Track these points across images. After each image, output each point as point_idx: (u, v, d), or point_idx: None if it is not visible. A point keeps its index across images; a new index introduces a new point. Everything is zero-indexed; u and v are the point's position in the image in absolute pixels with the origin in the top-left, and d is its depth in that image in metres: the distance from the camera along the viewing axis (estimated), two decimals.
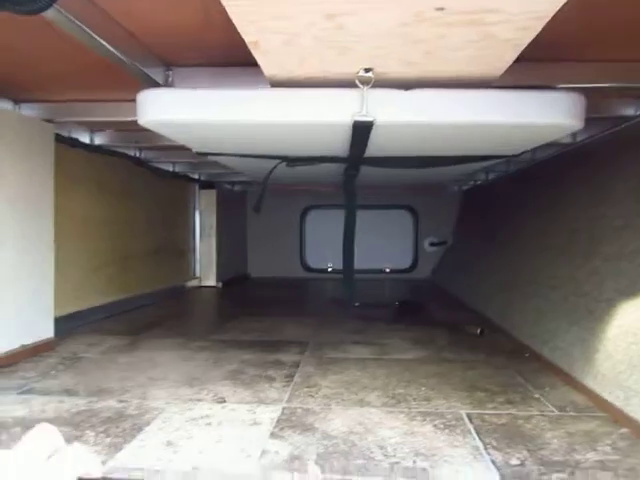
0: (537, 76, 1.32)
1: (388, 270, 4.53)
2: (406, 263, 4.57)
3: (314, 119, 1.24)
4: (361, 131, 1.30)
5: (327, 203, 4.49)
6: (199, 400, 1.30)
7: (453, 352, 1.82)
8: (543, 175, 2.39)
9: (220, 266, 3.75)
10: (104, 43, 1.10)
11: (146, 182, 2.89)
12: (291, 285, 4.00)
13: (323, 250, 4.54)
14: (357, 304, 2.91)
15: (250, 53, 1.36)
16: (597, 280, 1.67)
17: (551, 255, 2.10)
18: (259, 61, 1.12)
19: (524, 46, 1.08)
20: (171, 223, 3.32)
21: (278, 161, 1.79)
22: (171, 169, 3.16)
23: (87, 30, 1.05)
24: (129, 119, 1.83)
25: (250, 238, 4.54)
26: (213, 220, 3.70)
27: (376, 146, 1.50)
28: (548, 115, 1.22)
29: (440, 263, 4.40)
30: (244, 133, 1.39)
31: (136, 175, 2.75)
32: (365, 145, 1.47)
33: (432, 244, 4.54)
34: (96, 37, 1.07)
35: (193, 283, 3.63)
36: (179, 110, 1.24)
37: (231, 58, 1.39)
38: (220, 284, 3.72)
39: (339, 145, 1.55)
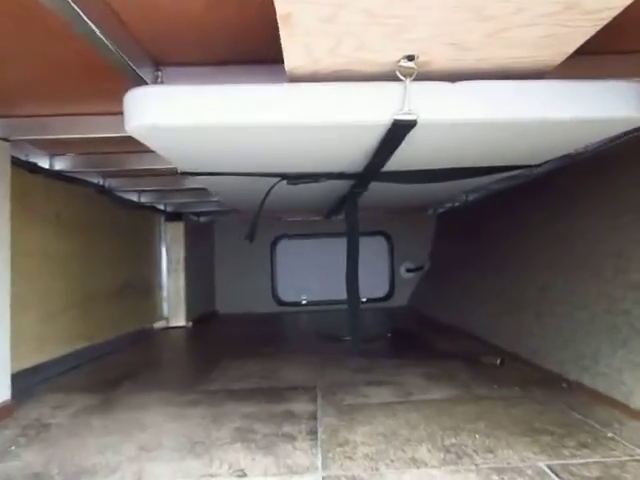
0: (588, 68, 1.16)
1: (364, 300, 4.32)
2: (383, 291, 4.38)
3: (345, 119, 1.02)
4: (397, 134, 1.09)
5: (298, 232, 4.27)
6: (213, 476, 1.02)
7: (482, 387, 1.61)
8: (548, 187, 2.26)
9: (189, 304, 3.44)
10: (88, 22, 0.86)
11: (110, 213, 2.59)
12: (265, 321, 3.72)
13: (296, 282, 4.29)
14: (347, 338, 2.68)
15: (256, 49, 1.16)
16: (637, 296, 1.51)
17: (566, 270, 1.95)
18: (285, 44, 0.91)
19: (601, 26, 0.91)
20: (136, 258, 3.01)
21: (277, 179, 1.56)
22: (136, 199, 2.87)
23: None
24: (103, 135, 1.58)
25: (218, 272, 4.24)
26: (181, 254, 3.41)
27: (402, 155, 1.30)
28: (616, 108, 1.05)
29: (419, 289, 4.23)
30: (252, 140, 1.15)
31: (99, 205, 2.45)
32: (391, 153, 1.26)
33: (409, 270, 4.37)
34: (77, 9, 0.83)
35: (160, 324, 3.30)
36: (179, 111, 0.99)
37: (232, 55, 1.18)
38: (190, 323, 3.40)
39: (357, 156, 1.34)
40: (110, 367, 2.17)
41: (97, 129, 1.57)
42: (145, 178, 2.64)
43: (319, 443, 1.17)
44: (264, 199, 1.62)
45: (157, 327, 3.25)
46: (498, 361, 1.87)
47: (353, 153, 1.32)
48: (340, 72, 1.04)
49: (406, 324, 3.28)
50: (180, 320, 3.37)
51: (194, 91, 1.01)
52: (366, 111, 1.02)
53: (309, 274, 4.27)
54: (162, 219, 3.40)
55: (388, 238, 4.40)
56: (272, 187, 1.60)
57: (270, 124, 1.03)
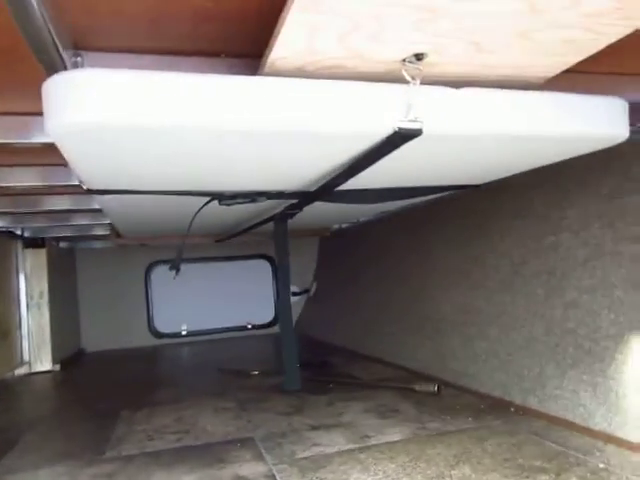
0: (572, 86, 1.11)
1: (250, 326, 4.08)
2: (268, 317, 4.17)
3: (338, 126, 0.85)
4: (389, 145, 0.94)
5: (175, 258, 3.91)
6: None
7: (434, 420, 1.51)
8: (458, 207, 2.26)
9: (56, 343, 2.93)
10: None
11: None
12: (144, 357, 3.32)
13: (175, 311, 3.92)
14: (255, 372, 2.45)
15: (214, 38, 0.94)
16: (580, 314, 1.52)
17: (489, 292, 1.94)
18: (283, 24, 0.71)
19: (623, 35, 0.85)
20: None
21: (207, 199, 1.33)
22: None
23: None
24: None
25: (83, 305, 3.72)
26: (44, 286, 2.90)
27: (367, 172, 1.15)
28: (607, 124, 1.01)
29: (307, 313, 4.10)
30: (197, 149, 0.93)
31: None
32: (364, 169, 1.10)
33: (294, 294, 4.23)
34: None
35: (21, 370, 2.77)
36: (126, 103, 0.75)
37: (180, 44, 0.95)
38: (57, 366, 2.90)
39: (318, 171, 1.17)
40: None
41: None
42: None
43: None
44: (191, 222, 1.37)
45: (18, 375, 2.72)
46: (435, 388, 1.79)
47: (316, 168, 1.15)
48: (330, 69, 0.87)
49: (305, 351, 3.12)
50: (45, 364, 2.86)
51: (144, 78, 0.77)
52: (365, 116, 0.86)
53: (189, 302, 3.93)
54: (19, 246, 2.88)
55: (271, 261, 4.22)
56: (201, 208, 1.36)
57: (236, 126, 0.82)
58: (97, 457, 1.39)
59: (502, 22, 0.77)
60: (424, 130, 0.89)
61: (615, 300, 1.41)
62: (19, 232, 2.80)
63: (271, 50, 0.79)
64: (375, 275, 3.00)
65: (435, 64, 0.88)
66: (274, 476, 1.17)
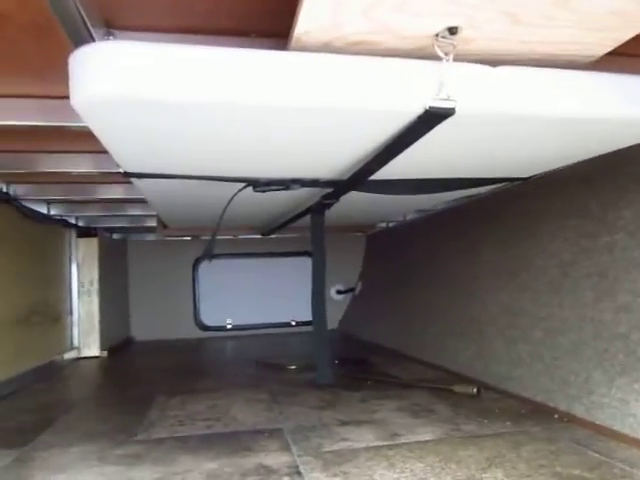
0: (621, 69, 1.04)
1: (294, 323, 4.08)
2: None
3: (368, 102, 0.82)
4: (421, 126, 0.90)
5: (223, 252, 3.95)
6: None
7: (470, 422, 1.44)
8: (505, 206, 2.17)
9: (104, 331, 3.02)
10: None
11: (13, 227, 2.18)
12: (189, 348, 3.37)
13: (220, 305, 3.97)
14: (293, 366, 2.44)
15: (240, 16, 0.93)
16: (634, 319, 1.42)
17: (536, 294, 1.85)
18: None
19: None
20: (44, 280, 2.58)
21: (242, 185, 1.32)
22: (45, 210, 2.47)
23: None
24: (16, 123, 1.26)
25: (133, 295, 3.83)
26: (95, 274, 3.00)
27: (399, 160, 1.11)
28: None
29: (351, 312, 4.06)
30: (228, 128, 0.91)
31: (1, 217, 2.06)
32: (397, 155, 1.06)
33: (339, 292, 4.20)
34: None
35: (71, 354, 2.87)
36: (154, 76, 0.74)
37: (206, 22, 0.94)
38: (105, 353, 2.99)
39: (350, 157, 1.14)
40: (17, 412, 1.77)
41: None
42: (55, 186, 2.28)
43: None
44: (225, 208, 1.37)
45: (67, 358, 2.82)
46: (474, 390, 1.72)
47: (349, 152, 1.11)
48: (357, 45, 0.84)
49: (346, 349, 3.09)
50: (93, 349, 2.95)
51: (174, 51, 0.76)
52: (395, 94, 0.82)
53: (234, 296, 3.97)
54: (73, 235, 2.98)
55: None
56: (236, 194, 1.35)
57: (268, 102, 0.80)
58: (128, 439, 1.40)
59: None
60: (457, 110, 0.84)
61: None
62: (73, 221, 2.90)
63: (296, 24, 0.77)
64: (420, 275, 2.93)
65: (470, 40, 0.84)
66: (297, 467, 1.14)
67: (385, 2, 0.71)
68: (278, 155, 1.17)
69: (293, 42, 0.81)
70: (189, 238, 3.76)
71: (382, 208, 2.13)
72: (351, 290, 4.13)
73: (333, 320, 4.16)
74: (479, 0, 0.73)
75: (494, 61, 0.88)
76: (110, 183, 2.26)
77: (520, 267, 1.99)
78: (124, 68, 0.73)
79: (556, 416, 1.48)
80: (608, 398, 1.38)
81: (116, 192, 2.34)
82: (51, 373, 2.48)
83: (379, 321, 3.36)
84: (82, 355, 2.92)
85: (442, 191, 1.47)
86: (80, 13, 0.74)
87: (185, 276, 3.93)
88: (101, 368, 2.71)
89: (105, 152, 1.82)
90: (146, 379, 2.34)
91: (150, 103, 0.78)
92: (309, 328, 3.97)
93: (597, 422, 1.38)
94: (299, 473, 1.11)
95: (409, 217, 3.18)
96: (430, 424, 1.44)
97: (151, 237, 3.86)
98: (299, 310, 4.07)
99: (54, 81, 1.19)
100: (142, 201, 2.55)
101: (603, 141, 1.10)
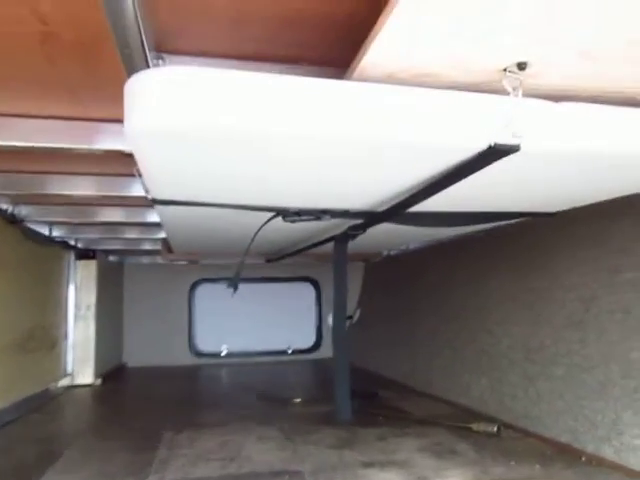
0: None
1: (290, 351, 4.00)
2: (309, 342, 4.08)
3: (428, 137, 0.79)
4: (480, 162, 0.87)
5: (220, 276, 3.87)
6: None
7: (497, 465, 1.39)
8: (521, 237, 2.15)
9: (99, 357, 2.93)
10: None
11: (15, 248, 2.11)
12: (185, 376, 3.28)
13: (216, 331, 3.88)
14: (297, 400, 2.37)
15: (298, 44, 0.90)
16: None
17: (556, 329, 1.82)
18: (383, 26, 0.66)
19: None
20: (42, 304, 2.50)
21: (271, 214, 1.28)
22: (47, 232, 2.40)
23: None
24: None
25: (127, 319, 3.73)
26: (92, 298, 2.91)
27: (451, 193, 1.08)
28: None
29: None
30: (285, 154, 0.88)
31: (3, 238, 1.99)
32: (443, 189, 1.03)
33: None
34: None
35: (64, 382, 2.76)
36: (213, 103, 0.70)
37: (264, 49, 0.91)
38: (99, 380, 2.89)
39: (394, 189, 1.11)
40: (17, 444, 1.68)
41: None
42: (58, 207, 2.23)
43: None
44: (254, 236, 1.33)
45: (60, 386, 2.71)
46: (495, 429, 1.67)
47: (390, 185, 1.08)
48: (422, 78, 0.81)
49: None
50: (87, 377, 2.85)
51: (235, 79, 0.72)
52: (461, 128, 0.80)
53: (231, 322, 3.89)
54: (72, 257, 2.90)
55: (316, 285, 4.15)
56: (265, 223, 1.31)
57: (328, 133, 0.76)
58: None
59: (620, 26, 0.70)
60: (522, 147, 0.82)
61: None
62: (73, 242, 2.83)
63: (364, 54, 0.74)
64: (426, 305, 2.89)
65: (536, 75, 0.81)
66: None
67: (465, 34, 0.69)
68: (312, 186, 1.14)
69: (356, 72, 0.78)
70: (186, 262, 3.70)
71: (397, 238, 2.10)
72: (349, 318, 4.08)
73: (329, 348, 4.09)
74: (555, 36, 0.71)
75: (558, 97, 0.86)
76: (111, 205, 2.23)
77: (534, 299, 1.97)
78: (185, 97, 0.70)
79: (583, 458, 1.43)
80: (637, 439, 1.35)
81: (117, 215, 2.30)
82: (46, 402, 2.38)
83: (381, 351, 3.31)
84: (76, 383, 2.81)
85: (471, 224, 1.44)
86: (141, 36, 0.71)
87: (181, 300, 3.85)
88: (97, 397, 2.61)
89: (108, 174, 1.79)
90: (146, 410, 2.25)
91: (205, 132, 0.74)
92: (306, 357, 3.96)
93: (629, 466, 1.34)
94: None
95: (412, 245, 3.16)
96: (456, 466, 1.39)
97: (148, 260, 3.79)
98: (296, 338, 4.00)
99: (83, 102, 1.15)
100: (143, 224, 2.51)
101: None
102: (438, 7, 0.63)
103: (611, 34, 0.71)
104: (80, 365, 2.85)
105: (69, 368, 2.82)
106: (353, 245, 2.18)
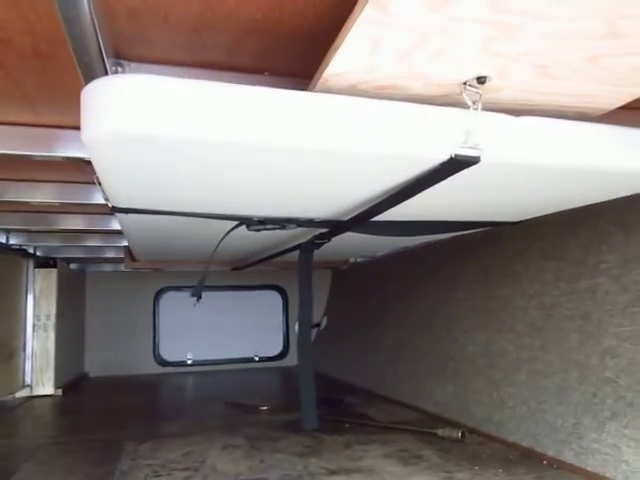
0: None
1: (257, 359, 3.97)
2: (276, 349, 4.06)
3: (391, 147, 0.79)
4: (441, 173, 0.88)
5: (185, 284, 3.80)
6: None
7: (462, 470, 1.41)
8: (481, 246, 2.19)
9: (59, 368, 2.85)
10: None
11: None
12: (149, 385, 3.22)
13: (181, 339, 3.82)
14: (265, 407, 2.35)
15: (261, 54, 0.90)
16: (621, 364, 1.43)
17: (518, 336, 1.86)
18: (345, 37, 0.67)
19: None
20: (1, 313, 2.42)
21: (235, 223, 1.27)
22: (4, 240, 2.33)
23: None
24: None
25: (89, 328, 3.64)
26: (52, 308, 2.83)
27: (414, 202, 1.09)
28: None
29: (315, 348, 3.99)
30: (235, 168, 0.87)
31: None
32: (407, 199, 1.04)
33: None
34: None
35: (22, 393, 2.67)
36: (172, 112, 0.69)
37: (226, 58, 0.90)
38: (59, 391, 2.81)
39: (357, 198, 1.11)
40: None
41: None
42: (15, 215, 2.17)
43: None
44: (217, 246, 1.31)
45: (19, 397, 2.63)
46: (459, 434, 1.69)
47: (355, 195, 1.09)
48: (384, 89, 0.82)
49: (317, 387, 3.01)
50: (47, 388, 2.77)
51: (193, 87, 0.71)
52: (422, 140, 0.80)
53: (196, 330, 3.83)
54: (31, 265, 2.82)
55: (283, 292, 4.13)
56: (228, 233, 1.30)
57: (288, 144, 0.76)
58: None
59: (575, 45, 0.72)
60: (482, 158, 0.83)
61: None
62: (31, 251, 2.75)
63: (327, 65, 0.74)
64: (393, 312, 2.91)
65: (496, 89, 0.83)
66: None
67: (425, 47, 0.70)
68: (276, 195, 1.13)
69: (319, 83, 0.78)
70: (150, 270, 3.64)
71: (363, 246, 2.11)
72: (317, 325, 4.07)
73: (295, 356, 4.08)
74: (515, 52, 0.73)
75: (515, 110, 0.88)
76: (71, 213, 2.18)
77: (499, 307, 2.00)
78: (142, 105, 0.68)
79: (545, 462, 1.46)
80: (599, 444, 1.38)
81: (78, 223, 2.26)
82: (3, 414, 2.30)
83: (348, 358, 3.31)
84: (35, 394, 2.73)
85: (435, 233, 1.46)
86: (99, 43, 0.69)
87: (145, 309, 3.78)
88: (58, 408, 2.54)
89: (69, 182, 1.76)
90: (109, 421, 2.19)
91: (164, 140, 0.73)
92: (273, 364, 3.93)
93: (589, 468, 1.37)
94: None
95: (379, 253, 3.18)
96: (422, 472, 1.39)
97: (110, 268, 3.72)
98: (263, 345, 3.98)
99: (39, 109, 1.13)
100: (105, 232, 2.46)
101: (604, 190, 1.12)
102: (397, 23, 0.64)
103: (569, 52, 0.73)
104: (39, 376, 2.77)
105: (28, 379, 2.74)
106: (320, 253, 2.18)
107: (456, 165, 0.84)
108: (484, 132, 0.82)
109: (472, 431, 1.78)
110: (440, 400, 2.12)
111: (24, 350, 2.74)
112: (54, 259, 2.93)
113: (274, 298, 4.11)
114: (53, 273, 2.86)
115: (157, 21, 0.76)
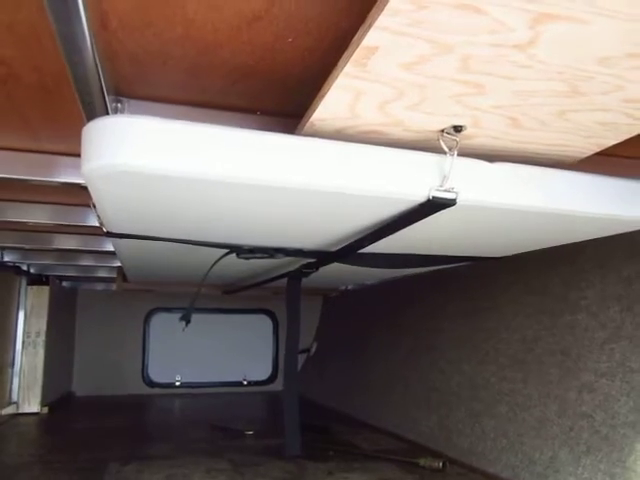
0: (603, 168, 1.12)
1: (245, 382, 3.97)
2: (265, 373, 4.06)
3: (376, 188, 0.85)
4: (421, 213, 0.93)
5: (176, 306, 3.82)
6: None
7: None
8: (465, 278, 2.24)
9: (46, 385, 2.85)
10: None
11: None
12: (137, 406, 3.22)
13: (170, 361, 3.83)
14: (250, 432, 2.36)
15: (256, 95, 0.95)
16: (597, 399, 1.47)
17: (498, 367, 1.89)
18: (329, 88, 0.72)
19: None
20: None
21: (225, 251, 1.31)
22: None
23: None
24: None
25: (78, 347, 3.64)
26: (42, 325, 2.85)
27: (398, 237, 1.14)
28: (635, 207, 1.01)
29: (304, 374, 4.00)
30: (226, 201, 0.92)
31: None
32: (391, 234, 1.09)
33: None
34: None
35: (7, 410, 2.67)
36: (166, 152, 0.74)
37: (223, 98, 0.96)
38: (45, 409, 2.81)
39: (342, 232, 1.16)
40: None
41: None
42: (10, 233, 2.21)
43: None
44: (207, 272, 1.35)
45: (4, 414, 2.62)
46: (440, 464, 1.71)
47: (341, 229, 1.14)
48: (368, 134, 0.87)
49: (302, 413, 3.02)
50: (33, 406, 2.77)
51: (188, 130, 0.76)
52: (402, 183, 0.86)
53: (185, 352, 3.84)
54: (24, 282, 2.85)
55: (273, 317, 4.15)
56: (218, 260, 1.34)
57: (276, 183, 0.81)
58: None
59: (542, 101, 0.77)
60: (458, 200, 0.88)
61: (635, 386, 1.36)
62: (25, 268, 2.78)
63: (314, 111, 0.80)
64: (380, 340, 2.94)
65: (471, 136, 0.89)
66: None
67: (403, 100, 0.75)
68: (265, 226, 1.18)
69: (307, 126, 0.84)
70: (145, 291, 3.66)
71: (350, 275, 2.15)
72: (306, 351, 4.08)
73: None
74: (487, 105, 0.78)
75: (490, 156, 0.94)
76: (67, 233, 2.23)
77: (482, 339, 2.04)
78: (140, 145, 0.73)
79: None
80: (575, 477, 1.41)
81: (72, 243, 2.30)
82: None
83: (336, 385, 3.33)
84: (21, 411, 2.73)
85: (420, 266, 1.51)
86: (101, 84, 0.75)
87: (135, 329, 3.79)
88: (43, 427, 2.54)
89: (65, 204, 1.80)
90: (94, 441, 2.20)
91: (158, 177, 0.78)
92: (262, 389, 3.93)
93: None
94: None
95: (368, 282, 3.22)
96: None
97: (102, 287, 3.74)
98: (251, 369, 3.98)
99: (40, 137, 1.17)
100: (99, 252, 2.50)
101: (576, 232, 1.17)
102: (376, 78, 0.69)
103: (537, 107, 0.79)
104: (26, 393, 2.77)
105: (14, 396, 2.74)
106: (309, 280, 2.23)
107: (434, 206, 0.89)
108: (460, 176, 0.88)
109: (454, 462, 1.80)
110: (424, 430, 2.14)
111: (12, 367, 2.74)
112: (47, 276, 2.95)
113: (264, 322, 4.13)
114: (45, 290, 2.88)
115: (156, 64, 0.82)
